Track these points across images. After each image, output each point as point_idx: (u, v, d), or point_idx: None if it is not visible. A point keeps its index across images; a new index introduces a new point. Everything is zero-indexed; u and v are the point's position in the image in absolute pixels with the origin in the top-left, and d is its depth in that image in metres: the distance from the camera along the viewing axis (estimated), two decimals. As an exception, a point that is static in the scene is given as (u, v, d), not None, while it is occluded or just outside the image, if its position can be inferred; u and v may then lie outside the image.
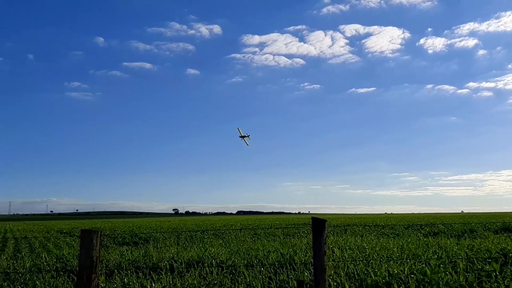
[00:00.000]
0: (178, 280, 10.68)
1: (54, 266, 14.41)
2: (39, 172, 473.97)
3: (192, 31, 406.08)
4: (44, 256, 17.52)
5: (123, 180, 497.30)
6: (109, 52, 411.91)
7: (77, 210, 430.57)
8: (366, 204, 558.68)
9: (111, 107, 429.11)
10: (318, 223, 4.46)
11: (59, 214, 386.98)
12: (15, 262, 15.97)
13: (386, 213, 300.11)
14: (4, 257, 18.24)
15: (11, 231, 47.80)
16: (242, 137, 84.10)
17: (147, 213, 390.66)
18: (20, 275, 12.08)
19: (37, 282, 10.76)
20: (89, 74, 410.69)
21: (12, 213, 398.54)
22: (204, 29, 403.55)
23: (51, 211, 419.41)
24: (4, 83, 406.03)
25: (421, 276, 9.75)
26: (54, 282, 10.85)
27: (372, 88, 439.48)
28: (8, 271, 13.25)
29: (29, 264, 15.08)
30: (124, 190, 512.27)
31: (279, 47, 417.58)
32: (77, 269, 4.38)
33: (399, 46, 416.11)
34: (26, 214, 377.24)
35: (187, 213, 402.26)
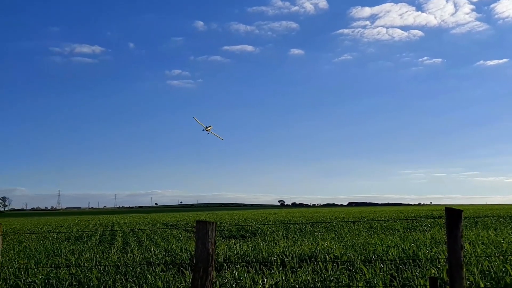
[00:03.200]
0: (291, 276, 10.82)
1: (163, 260, 15.24)
2: (143, 164, 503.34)
3: (296, 8, 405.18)
4: (153, 249, 18.61)
5: (226, 171, 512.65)
6: (209, 36, 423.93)
7: (181, 202, 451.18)
8: (499, 193, 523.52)
9: (213, 94, 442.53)
10: (453, 214, 4.27)
11: (164, 206, 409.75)
12: (125, 255, 17.11)
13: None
14: (114, 250, 19.61)
15: (118, 224, 51.29)
16: (206, 129, 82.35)
17: (252, 205, 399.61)
18: (131, 268, 12.92)
19: (148, 276, 11.41)
20: (189, 61, 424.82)
21: (118, 206, 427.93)
22: (308, 4, 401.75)
23: (155, 203, 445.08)
24: (107, 73, 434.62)
25: None
26: (165, 275, 11.45)
27: (504, 60, 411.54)
28: (119, 264, 14.20)
29: (138, 257, 16.10)
30: (227, 181, 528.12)
31: (393, 18, 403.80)
32: (193, 261, 4.60)
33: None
34: (131, 207, 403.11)
35: (294, 204, 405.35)
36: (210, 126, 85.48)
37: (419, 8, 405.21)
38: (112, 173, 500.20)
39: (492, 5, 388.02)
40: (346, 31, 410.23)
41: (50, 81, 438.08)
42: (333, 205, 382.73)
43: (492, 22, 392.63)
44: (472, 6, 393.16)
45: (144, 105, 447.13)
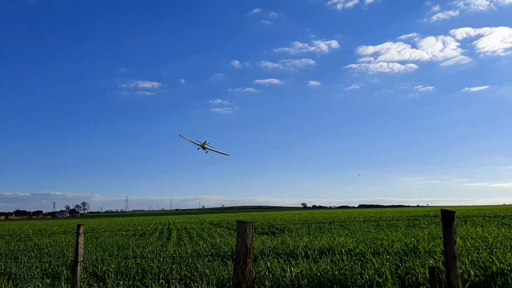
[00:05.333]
0: (313, 265, 10.68)
1: (210, 252, 15.22)
2: (193, 175, 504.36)
3: (313, 48, 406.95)
4: (201, 244, 18.61)
5: (259, 179, 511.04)
6: (244, 72, 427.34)
7: (223, 205, 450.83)
8: (483, 196, 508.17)
9: (248, 118, 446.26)
10: (447, 215, 4.18)
11: (209, 208, 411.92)
12: (179, 248, 17.16)
13: (504, 204, 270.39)
14: (171, 244, 19.67)
15: (173, 223, 51.53)
16: (203, 147, 59.45)
17: (280, 207, 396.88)
18: (184, 259, 12.95)
19: (198, 265, 11.42)
20: (228, 92, 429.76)
21: (173, 209, 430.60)
22: (323, 45, 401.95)
23: (202, 206, 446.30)
24: (164, 104, 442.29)
25: (550, 265, 8.67)
26: (211, 265, 11.43)
27: (486, 86, 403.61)
28: (174, 255, 14.25)
29: (190, 250, 16.12)
30: (260, 188, 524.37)
31: (392, 54, 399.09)
32: (235, 254, 4.57)
33: (511, 45, 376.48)
34: (184, 209, 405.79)
35: (314, 207, 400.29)
36: (205, 142, 59.83)
37: (414, 45, 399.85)
38: (168, 182, 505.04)
39: (474, 42, 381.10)
40: (354, 65, 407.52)
41: (119, 110, 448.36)
42: (346, 207, 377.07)
43: (474, 56, 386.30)
44: (457, 43, 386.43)
45: (193, 128, 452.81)
